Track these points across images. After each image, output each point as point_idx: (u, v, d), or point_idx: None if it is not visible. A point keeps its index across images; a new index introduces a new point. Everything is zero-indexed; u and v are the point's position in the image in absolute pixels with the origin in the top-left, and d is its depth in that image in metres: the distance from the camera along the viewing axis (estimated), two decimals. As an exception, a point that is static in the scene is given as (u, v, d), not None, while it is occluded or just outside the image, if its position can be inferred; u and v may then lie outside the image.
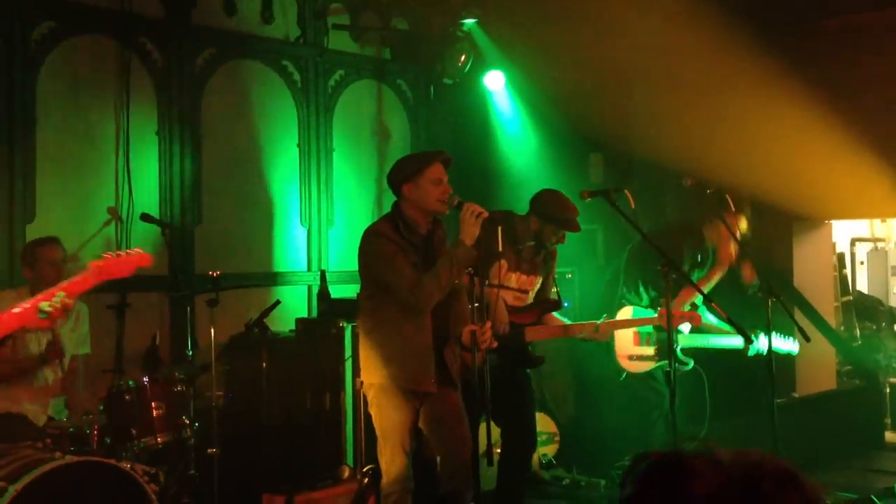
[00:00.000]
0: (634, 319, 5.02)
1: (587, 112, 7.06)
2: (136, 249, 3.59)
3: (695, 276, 5.31)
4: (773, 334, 5.11)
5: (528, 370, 4.85)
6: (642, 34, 6.81)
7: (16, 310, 3.28)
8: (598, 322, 4.74)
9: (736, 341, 5.12)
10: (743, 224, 5.42)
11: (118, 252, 3.56)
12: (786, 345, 5.24)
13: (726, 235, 5.25)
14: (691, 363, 5.34)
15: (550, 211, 4.77)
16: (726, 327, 5.31)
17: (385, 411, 4.07)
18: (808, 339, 4.95)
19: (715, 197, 5.34)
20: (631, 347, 5.39)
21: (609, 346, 5.36)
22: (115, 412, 4.32)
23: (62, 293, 3.31)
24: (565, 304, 5.33)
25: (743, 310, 5.22)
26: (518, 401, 4.66)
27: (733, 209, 5.36)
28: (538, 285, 4.87)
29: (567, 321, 4.86)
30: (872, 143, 6.68)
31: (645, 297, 5.45)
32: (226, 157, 6.46)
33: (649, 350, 5.33)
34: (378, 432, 4.13)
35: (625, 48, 6.81)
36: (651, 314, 5.22)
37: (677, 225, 5.65)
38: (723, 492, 0.86)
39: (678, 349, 5.33)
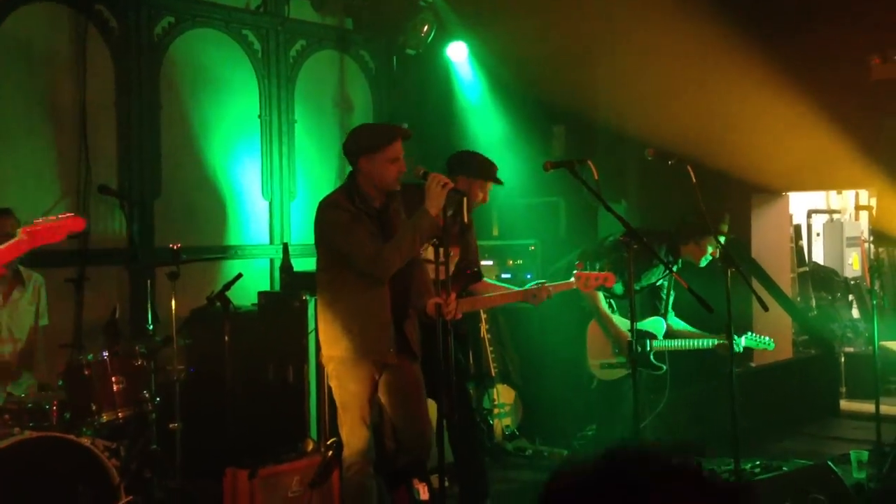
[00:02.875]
0: (557, 284, 4.95)
1: (550, 84, 7.06)
2: (68, 214, 3.54)
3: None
4: (751, 335, 5.37)
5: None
6: (605, 6, 6.81)
7: None
8: (518, 289, 4.72)
9: (706, 342, 5.39)
10: (724, 228, 5.44)
11: (49, 217, 3.50)
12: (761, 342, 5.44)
13: (700, 255, 5.39)
14: (664, 368, 5.44)
15: (478, 166, 4.77)
16: (695, 331, 5.46)
17: (345, 383, 4.07)
18: (765, 309, 5.02)
19: (676, 169, 5.39)
20: (603, 356, 5.46)
21: (582, 354, 5.44)
22: (75, 387, 4.27)
23: None
24: (496, 280, 5.33)
25: (702, 282, 5.29)
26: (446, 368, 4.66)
27: (694, 180, 5.40)
28: (456, 257, 4.84)
29: (510, 287, 4.85)
30: (829, 115, 6.76)
31: (619, 287, 5.46)
32: (185, 128, 6.37)
33: (621, 359, 5.40)
34: (338, 404, 4.14)
35: (588, 20, 6.81)
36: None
37: (658, 232, 5.66)
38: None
39: (651, 355, 5.43)
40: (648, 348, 5.46)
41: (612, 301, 5.61)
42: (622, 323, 5.44)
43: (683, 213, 5.35)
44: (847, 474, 4.92)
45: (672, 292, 5.68)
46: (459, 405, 4.68)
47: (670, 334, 5.57)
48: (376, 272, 3.93)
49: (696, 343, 5.47)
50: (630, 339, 4.41)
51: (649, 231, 5.50)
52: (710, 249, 5.38)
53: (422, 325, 4.21)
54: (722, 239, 5.24)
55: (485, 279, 4.88)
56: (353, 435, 4.08)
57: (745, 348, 5.41)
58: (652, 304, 5.70)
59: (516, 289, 4.80)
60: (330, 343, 4.09)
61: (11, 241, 3.39)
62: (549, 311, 5.45)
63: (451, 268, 4.76)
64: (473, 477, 4.74)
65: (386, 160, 3.99)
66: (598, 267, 5.14)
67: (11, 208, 4.81)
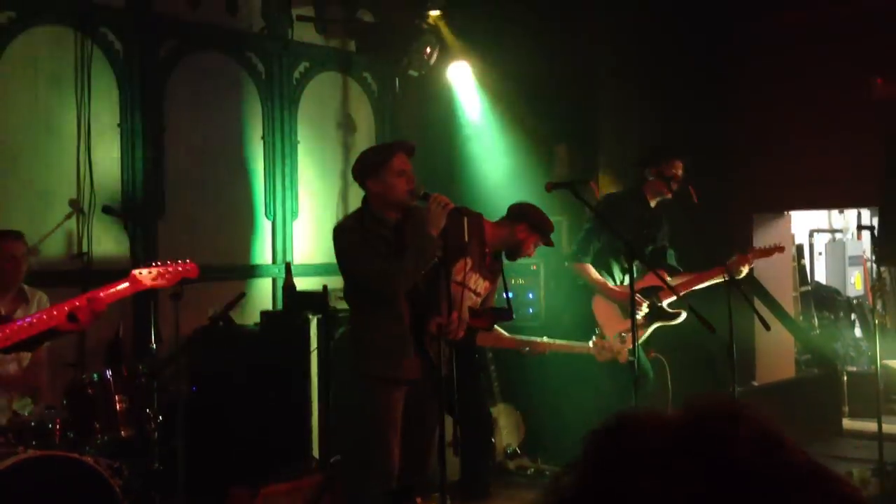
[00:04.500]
0: (570, 345, 5.12)
1: (552, 103, 7.10)
2: (187, 261, 3.54)
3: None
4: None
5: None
6: (606, 26, 6.86)
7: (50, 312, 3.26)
8: (541, 340, 4.87)
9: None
10: (679, 170, 5.54)
11: (161, 263, 3.49)
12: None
13: (664, 186, 5.51)
14: (683, 313, 5.39)
15: (543, 224, 4.88)
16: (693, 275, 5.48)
17: (372, 400, 4.13)
18: (768, 328, 5.05)
19: (679, 189, 5.45)
20: (618, 324, 5.47)
21: (598, 331, 5.47)
22: (78, 406, 4.28)
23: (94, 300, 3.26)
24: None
25: (704, 302, 5.30)
26: (470, 390, 4.72)
27: (696, 200, 5.46)
28: (489, 292, 4.92)
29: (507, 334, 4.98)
30: (831, 135, 6.79)
31: (619, 276, 5.57)
32: (189, 149, 6.41)
33: (637, 319, 5.42)
34: (366, 421, 4.18)
35: (589, 40, 6.86)
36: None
37: (617, 195, 5.84)
38: (675, 439, 0.79)
39: (664, 304, 5.45)
40: (659, 301, 5.46)
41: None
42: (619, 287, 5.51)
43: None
44: (850, 493, 4.90)
45: (669, 249, 5.74)
46: (481, 426, 4.74)
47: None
48: (384, 292, 4.01)
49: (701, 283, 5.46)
50: (635, 296, 4.55)
51: (618, 195, 5.78)
52: (669, 178, 5.45)
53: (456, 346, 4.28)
54: (679, 172, 5.46)
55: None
56: (377, 451, 4.12)
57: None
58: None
59: (520, 338, 4.94)
60: (358, 362, 4.17)
61: (118, 283, 3.37)
62: (558, 325, 5.49)
63: (479, 300, 4.86)
64: (479, 495, 4.75)
65: (392, 175, 4.05)
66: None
67: (22, 233, 4.83)
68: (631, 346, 4.81)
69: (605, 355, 4.92)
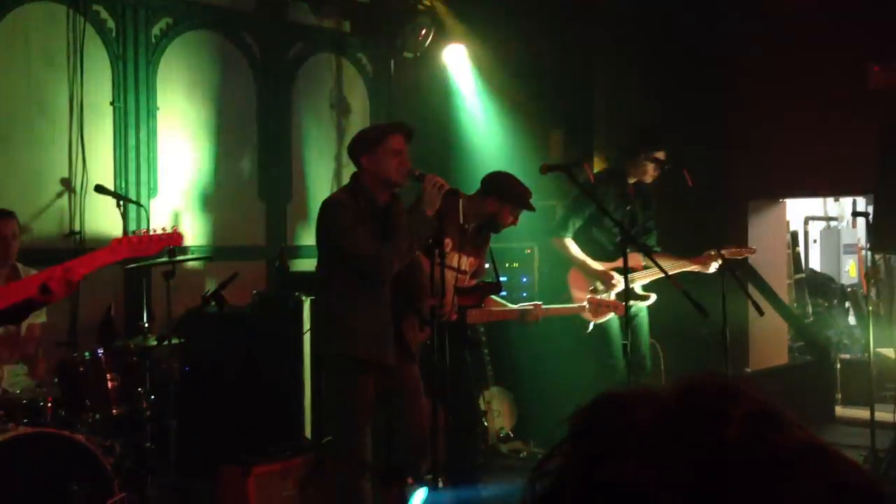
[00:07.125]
0: (565, 307, 5.10)
1: (548, 88, 7.08)
2: (173, 228, 3.50)
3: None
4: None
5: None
6: (602, 9, 6.83)
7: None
8: (533, 307, 4.84)
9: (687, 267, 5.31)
10: (661, 156, 5.54)
11: (145, 230, 3.45)
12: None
13: (643, 173, 5.49)
14: (653, 297, 5.39)
15: (510, 191, 4.79)
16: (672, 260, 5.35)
17: (342, 384, 4.06)
18: (761, 314, 5.05)
19: (673, 173, 5.43)
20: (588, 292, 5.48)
21: (569, 301, 5.46)
22: (70, 384, 4.27)
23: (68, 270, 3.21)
24: (504, 292, 5.39)
25: (698, 286, 5.30)
26: (456, 374, 4.68)
27: (690, 184, 5.43)
28: (476, 267, 4.89)
29: (508, 304, 4.92)
30: (827, 122, 6.78)
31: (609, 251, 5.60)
32: (182, 128, 6.37)
33: (609, 297, 5.43)
34: (334, 405, 4.14)
35: (585, 23, 6.83)
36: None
37: (600, 174, 5.85)
38: (662, 418, 0.75)
39: (636, 286, 5.46)
40: (632, 282, 5.48)
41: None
42: (598, 263, 5.52)
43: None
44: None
45: (653, 231, 5.72)
46: (464, 408, 4.70)
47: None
48: (375, 273, 3.94)
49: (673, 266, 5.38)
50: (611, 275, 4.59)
51: (601, 175, 5.78)
52: (651, 169, 5.48)
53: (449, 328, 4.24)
54: (661, 154, 5.46)
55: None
56: (348, 437, 4.07)
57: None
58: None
59: (514, 307, 4.87)
60: (328, 343, 4.09)
61: (94, 252, 3.34)
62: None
63: (468, 278, 4.82)
64: (466, 477, 4.74)
65: (387, 153, 4.00)
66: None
67: (13, 212, 4.80)
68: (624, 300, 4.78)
69: (603, 311, 4.89)
